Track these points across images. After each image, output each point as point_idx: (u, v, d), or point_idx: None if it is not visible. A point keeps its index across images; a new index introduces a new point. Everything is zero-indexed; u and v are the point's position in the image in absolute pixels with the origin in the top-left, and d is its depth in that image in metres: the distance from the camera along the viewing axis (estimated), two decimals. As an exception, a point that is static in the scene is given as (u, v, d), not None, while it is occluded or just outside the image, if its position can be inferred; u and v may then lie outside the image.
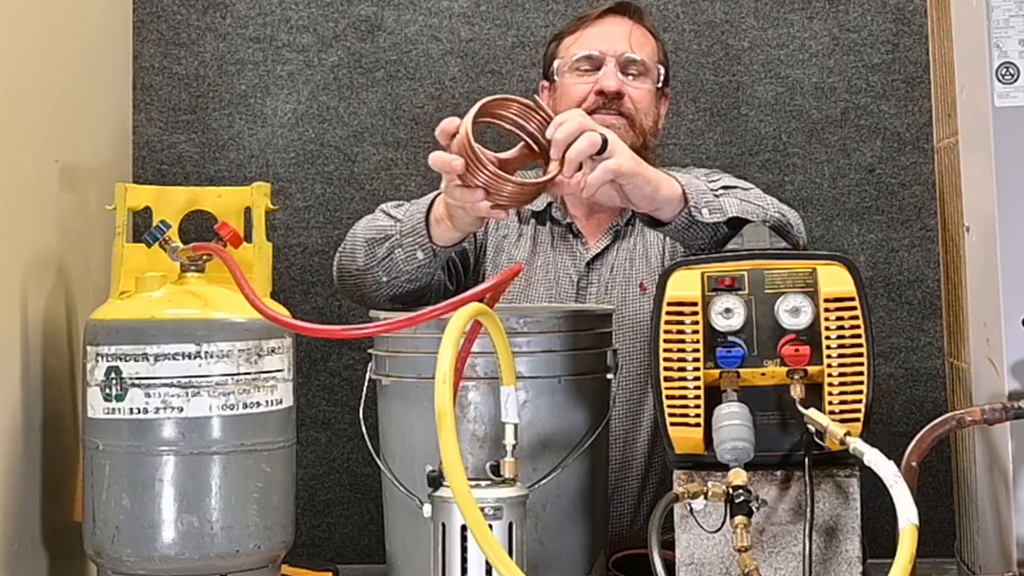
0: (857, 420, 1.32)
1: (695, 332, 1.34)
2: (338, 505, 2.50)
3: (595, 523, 1.49)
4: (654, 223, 1.66)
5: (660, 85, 2.02)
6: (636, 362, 1.89)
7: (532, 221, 2.03)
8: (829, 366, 1.32)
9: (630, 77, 1.98)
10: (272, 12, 2.51)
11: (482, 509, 1.12)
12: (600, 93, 1.94)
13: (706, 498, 1.30)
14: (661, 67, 2.02)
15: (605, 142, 1.51)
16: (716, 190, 1.67)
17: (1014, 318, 1.34)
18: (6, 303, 1.54)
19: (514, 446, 1.28)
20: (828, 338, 1.32)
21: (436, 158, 1.52)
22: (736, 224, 1.59)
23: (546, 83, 2.07)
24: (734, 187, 1.72)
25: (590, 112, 1.91)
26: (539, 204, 2.00)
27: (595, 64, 1.98)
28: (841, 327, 1.32)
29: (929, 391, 2.46)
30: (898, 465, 1.21)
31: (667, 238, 1.98)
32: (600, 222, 2.02)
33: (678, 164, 2.17)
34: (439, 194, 1.71)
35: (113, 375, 1.42)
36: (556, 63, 2.03)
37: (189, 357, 1.41)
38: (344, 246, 1.82)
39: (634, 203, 1.60)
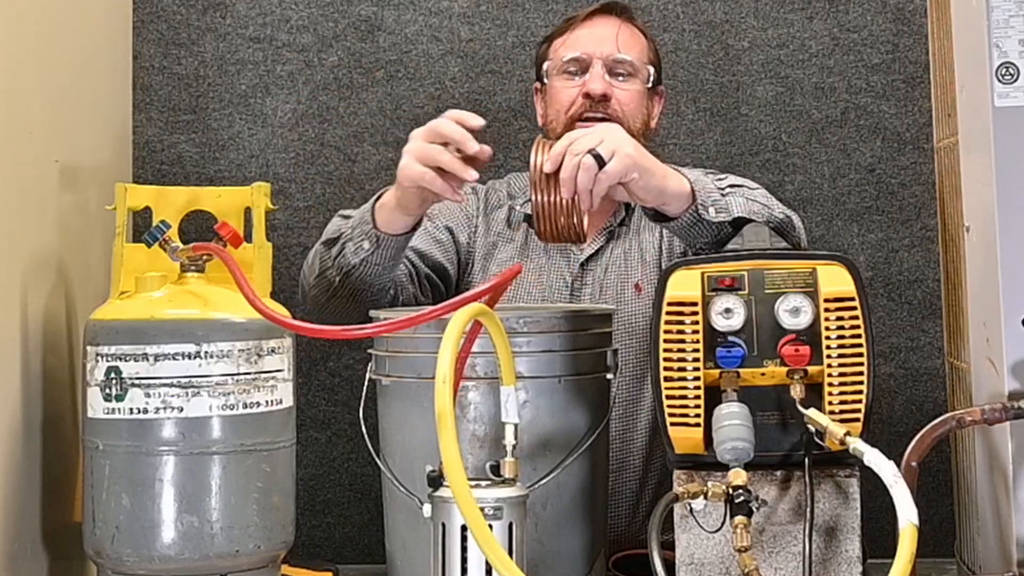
0: (857, 420, 1.32)
1: (695, 332, 1.34)
2: (338, 505, 2.50)
3: (595, 523, 1.49)
4: (660, 218, 1.66)
5: (651, 85, 2.01)
6: (632, 363, 1.89)
7: (524, 225, 2.03)
8: (829, 366, 1.32)
9: (619, 78, 1.97)
10: (272, 12, 2.51)
11: (482, 509, 1.12)
12: (587, 96, 1.94)
13: (706, 498, 1.30)
14: (651, 67, 2.01)
15: (599, 160, 1.53)
16: (723, 188, 1.67)
17: (1014, 318, 1.34)
18: (6, 303, 1.54)
19: (514, 446, 1.28)
20: (828, 338, 1.32)
21: (455, 127, 1.63)
22: (740, 224, 1.59)
23: (538, 85, 2.07)
24: (740, 186, 1.72)
25: (577, 116, 1.91)
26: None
27: (582, 66, 1.98)
28: (841, 327, 1.32)
29: (929, 391, 2.46)
30: (898, 465, 1.21)
31: (663, 238, 1.98)
32: (594, 223, 2.02)
33: (678, 164, 2.17)
34: (387, 190, 1.74)
35: (113, 375, 1.42)
36: (546, 65, 2.03)
37: (189, 357, 1.41)
38: (306, 260, 1.85)
39: (641, 198, 1.61)
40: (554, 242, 1.63)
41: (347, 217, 1.81)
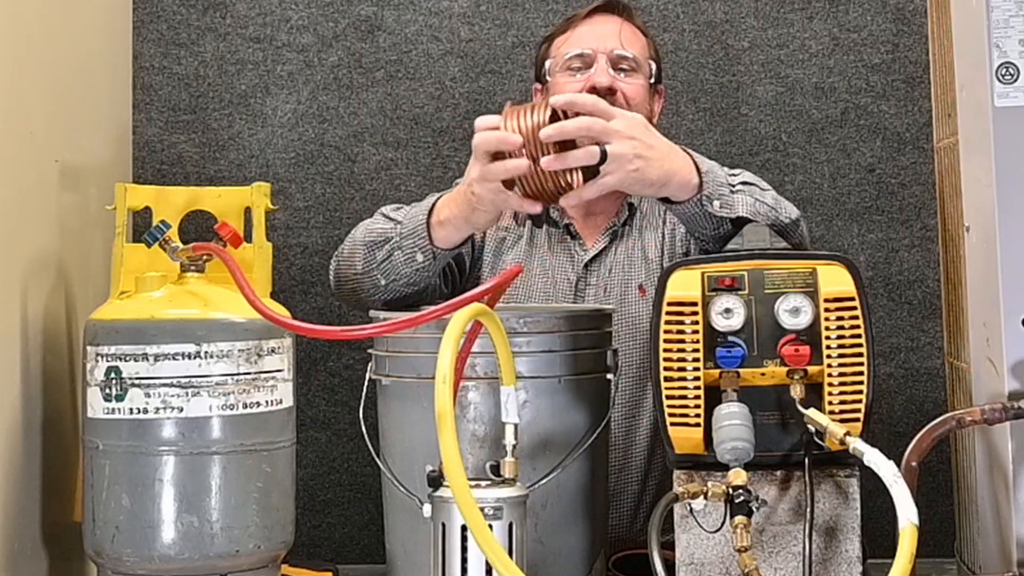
0: (857, 420, 1.32)
1: (695, 332, 1.34)
2: (338, 505, 2.50)
3: (595, 523, 1.49)
4: (665, 200, 1.66)
5: (653, 81, 2.02)
6: (635, 363, 1.89)
7: (528, 223, 2.03)
8: (829, 366, 1.32)
9: (622, 73, 1.98)
10: (272, 12, 2.51)
11: (482, 509, 1.12)
12: (592, 90, 1.94)
13: (706, 498, 1.30)
14: (652, 63, 2.02)
15: (604, 156, 1.52)
16: (734, 185, 1.67)
17: (1014, 318, 1.34)
18: (6, 303, 1.54)
19: (514, 446, 1.28)
20: (828, 338, 1.32)
21: (491, 136, 1.54)
22: (742, 222, 1.59)
23: (539, 86, 2.07)
24: (753, 185, 1.71)
25: None
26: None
27: (586, 62, 1.98)
28: (841, 327, 1.32)
29: (929, 391, 2.46)
30: (898, 465, 1.21)
31: (664, 239, 1.98)
32: (598, 223, 2.02)
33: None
34: (440, 197, 1.71)
35: (113, 375, 1.42)
36: (547, 64, 2.03)
37: (189, 357, 1.41)
38: (342, 250, 1.82)
39: (637, 195, 1.62)
40: (543, 203, 1.59)
41: (390, 218, 1.78)
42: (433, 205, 1.71)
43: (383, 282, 1.74)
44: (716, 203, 1.62)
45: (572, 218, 2.02)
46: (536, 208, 1.56)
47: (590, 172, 1.55)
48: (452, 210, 1.68)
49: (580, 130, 1.53)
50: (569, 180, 1.54)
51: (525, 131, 1.52)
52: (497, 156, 1.55)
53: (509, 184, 1.56)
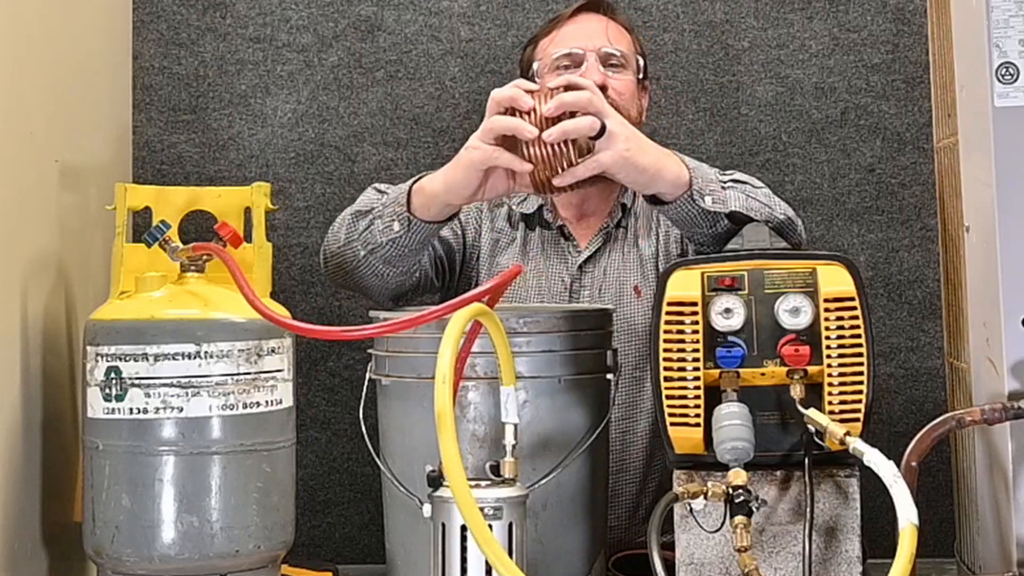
0: (857, 420, 1.32)
1: (695, 332, 1.34)
2: (338, 505, 2.50)
3: (595, 523, 1.49)
4: (656, 201, 1.66)
5: (640, 76, 2.02)
6: (631, 364, 1.89)
7: (522, 225, 2.03)
8: (829, 366, 1.32)
9: (611, 70, 1.98)
10: (272, 12, 2.51)
11: (482, 509, 1.12)
12: None
13: (706, 498, 1.30)
14: (639, 58, 2.02)
15: (603, 130, 1.53)
16: (725, 182, 1.67)
17: (1014, 318, 1.34)
18: (6, 303, 1.54)
19: (514, 446, 1.28)
20: (828, 338, 1.32)
21: (506, 90, 1.59)
22: (739, 220, 1.59)
23: None
24: (744, 183, 1.72)
25: None
26: (530, 206, 2.01)
27: (575, 61, 1.98)
28: (841, 327, 1.32)
29: (929, 391, 2.46)
30: (898, 465, 1.21)
31: (659, 241, 1.98)
32: (591, 224, 2.02)
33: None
34: (427, 173, 1.72)
35: (113, 375, 1.42)
36: (535, 65, 2.02)
37: (189, 357, 1.41)
38: (332, 225, 1.83)
39: (628, 186, 1.63)
40: (546, 190, 1.62)
41: (381, 192, 1.80)
42: (420, 178, 1.73)
43: (362, 253, 1.75)
44: (708, 199, 1.63)
45: (565, 219, 2.02)
46: (527, 167, 1.58)
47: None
48: (435, 178, 1.70)
49: (580, 102, 1.55)
50: (570, 157, 1.57)
51: (536, 112, 1.57)
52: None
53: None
